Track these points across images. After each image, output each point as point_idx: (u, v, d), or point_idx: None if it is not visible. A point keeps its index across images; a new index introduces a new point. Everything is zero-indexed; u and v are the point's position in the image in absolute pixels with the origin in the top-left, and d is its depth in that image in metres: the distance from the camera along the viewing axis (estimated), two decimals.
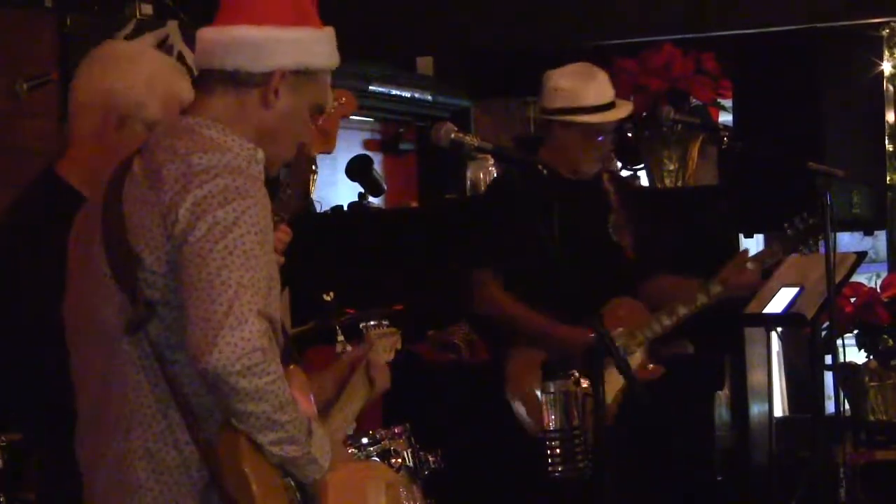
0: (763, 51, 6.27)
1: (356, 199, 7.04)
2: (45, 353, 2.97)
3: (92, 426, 2.74)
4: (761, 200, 5.82)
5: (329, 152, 3.43)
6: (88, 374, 2.74)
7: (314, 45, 2.77)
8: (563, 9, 7.14)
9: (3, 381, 3.25)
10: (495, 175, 6.39)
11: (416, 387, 5.01)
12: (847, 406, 5.81)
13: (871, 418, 5.97)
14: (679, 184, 6.41)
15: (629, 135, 6.43)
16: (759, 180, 5.77)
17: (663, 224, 5.53)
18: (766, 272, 5.19)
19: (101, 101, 3.24)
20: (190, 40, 5.35)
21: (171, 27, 5.55)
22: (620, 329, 4.79)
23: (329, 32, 2.82)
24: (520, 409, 4.74)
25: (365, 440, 4.31)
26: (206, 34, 2.76)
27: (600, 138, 4.93)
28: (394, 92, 7.29)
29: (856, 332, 6.03)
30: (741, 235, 6.31)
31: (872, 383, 5.97)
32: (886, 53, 6.58)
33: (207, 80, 2.76)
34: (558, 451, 4.05)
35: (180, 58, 5.35)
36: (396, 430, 4.43)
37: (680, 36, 6.63)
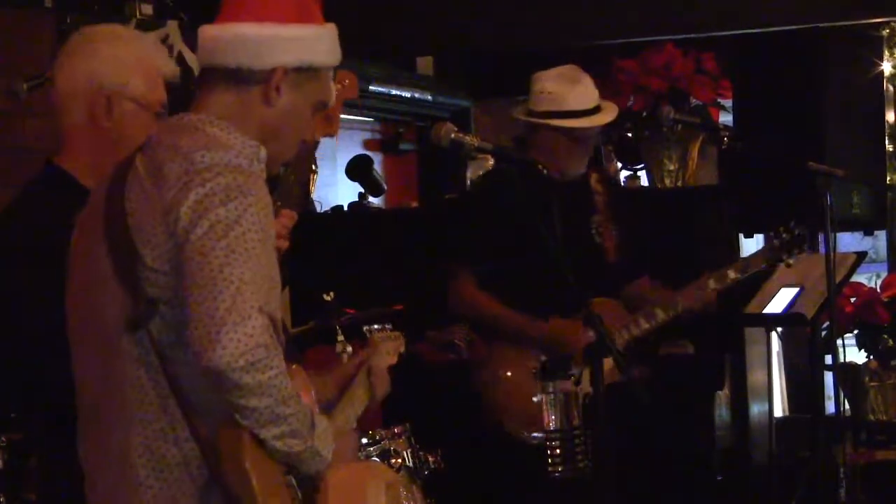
0: (763, 51, 6.28)
1: (356, 199, 7.04)
2: (47, 352, 2.97)
3: (93, 423, 2.74)
4: (761, 200, 5.83)
5: (332, 135, 3.39)
6: (89, 370, 2.74)
7: (316, 43, 2.77)
8: (563, 9, 7.12)
9: (3, 381, 3.25)
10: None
11: (416, 387, 4.99)
12: (847, 406, 5.81)
13: (871, 418, 5.96)
14: (679, 184, 6.41)
15: (629, 135, 6.44)
16: (759, 180, 5.77)
17: (663, 224, 5.53)
18: (767, 272, 5.20)
19: (84, 87, 3.21)
20: (190, 40, 5.34)
21: (171, 27, 5.54)
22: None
23: (331, 29, 2.81)
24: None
25: (365, 440, 4.31)
26: (208, 31, 2.76)
27: (586, 142, 4.96)
28: (394, 92, 7.27)
29: (856, 332, 6.03)
30: (741, 235, 6.31)
31: (872, 383, 5.96)
32: (886, 53, 6.58)
33: (209, 77, 2.76)
34: (558, 451, 4.05)
35: (180, 58, 5.34)
36: (396, 430, 4.44)
37: (680, 36, 6.62)
